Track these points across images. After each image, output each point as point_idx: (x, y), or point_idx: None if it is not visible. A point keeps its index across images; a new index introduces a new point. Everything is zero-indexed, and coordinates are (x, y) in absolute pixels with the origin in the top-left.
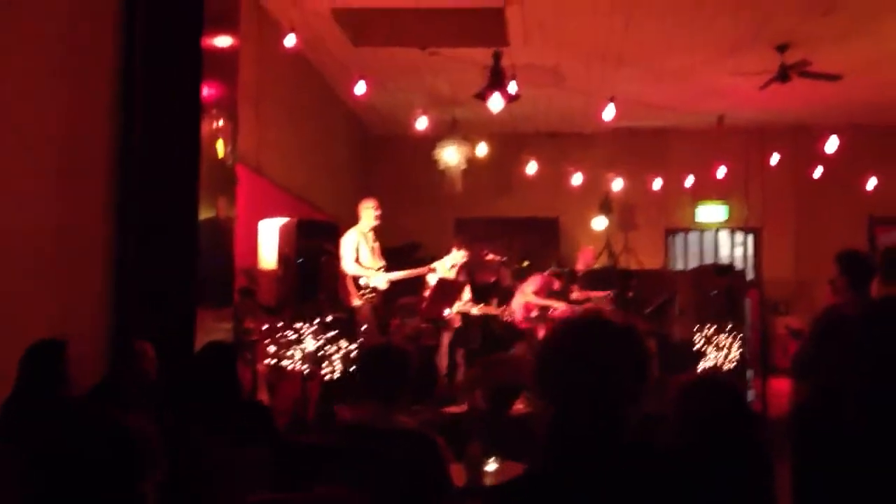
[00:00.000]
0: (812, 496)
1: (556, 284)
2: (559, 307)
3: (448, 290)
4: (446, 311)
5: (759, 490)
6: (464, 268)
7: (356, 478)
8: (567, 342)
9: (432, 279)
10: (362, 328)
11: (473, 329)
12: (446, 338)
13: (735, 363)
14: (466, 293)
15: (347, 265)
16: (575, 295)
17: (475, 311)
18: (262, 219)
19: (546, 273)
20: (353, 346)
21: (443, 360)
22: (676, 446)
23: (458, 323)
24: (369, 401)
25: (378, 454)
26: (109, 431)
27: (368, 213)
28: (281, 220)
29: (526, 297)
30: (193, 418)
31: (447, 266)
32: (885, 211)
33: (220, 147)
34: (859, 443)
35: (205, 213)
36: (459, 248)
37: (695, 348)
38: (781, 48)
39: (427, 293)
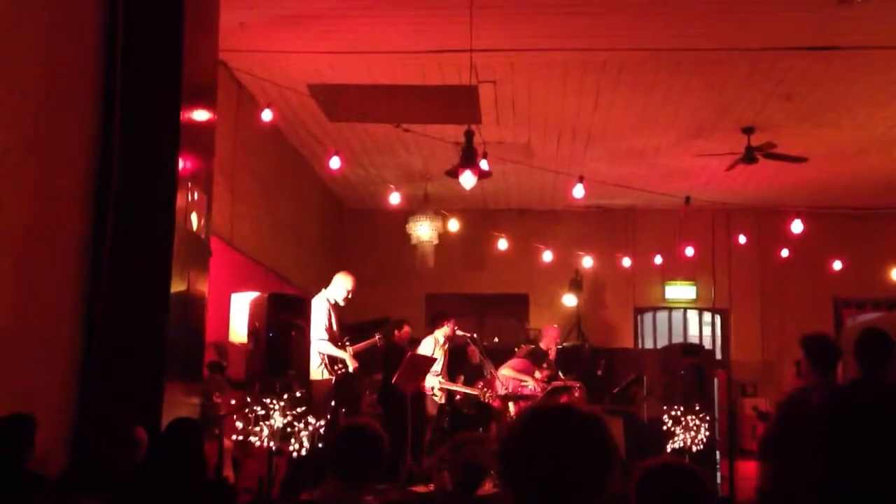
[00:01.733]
0: None
1: (538, 374)
2: (529, 384)
3: (419, 366)
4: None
5: None
6: (449, 341)
7: None
8: (531, 429)
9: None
10: (331, 403)
11: (444, 407)
12: (426, 415)
13: (703, 444)
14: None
15: (321, 344)
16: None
17: (440, 389)
18: (233, 292)
19: (525, 357)
20: (321, 423)
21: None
22: None
23: (439, 401)
24: (336, 479)
25: None
26: None
27: (344, 287)
28: (252, 294)
29: (503, 372)
30: (157, 497)
31: (440, 340)
32: (849, 293)
33: (195, 220)
34: None
35: (177, 287)
36: (443, 321)
37: (663, 428)
38: (748, 130)
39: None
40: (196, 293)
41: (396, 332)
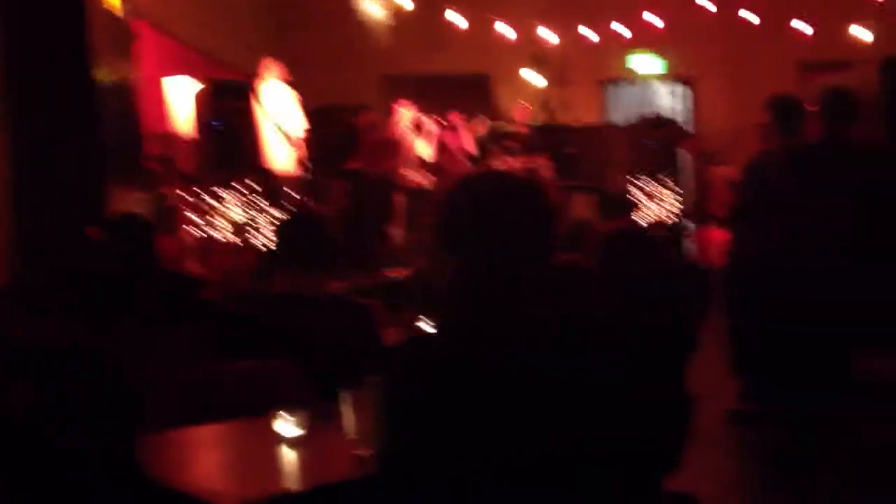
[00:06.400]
0: (746, 333)
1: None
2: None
3: (381, 149)
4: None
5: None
6: (416, 125)
7: (282, 348)
8: (466, 196)
9: None
10: (292, 195)
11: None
12: (399, 201)
13: (673, 215)
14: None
15: (269, 117)
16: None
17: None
18: (171, 78)
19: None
20: (283, 215)
21: (393, 224)
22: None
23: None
24: (290, 270)
25: (301, 321)
26: None
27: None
28: (192, 81)
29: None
30: (111, 297)
31: (405, 125)
32: (815, 55)
33: (115, 1)
34: (788, 284)
35: (102, 77)
36: (402, 104)
37: (633, 201)
38: None
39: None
40: (126, 81)
41: (358, 117)
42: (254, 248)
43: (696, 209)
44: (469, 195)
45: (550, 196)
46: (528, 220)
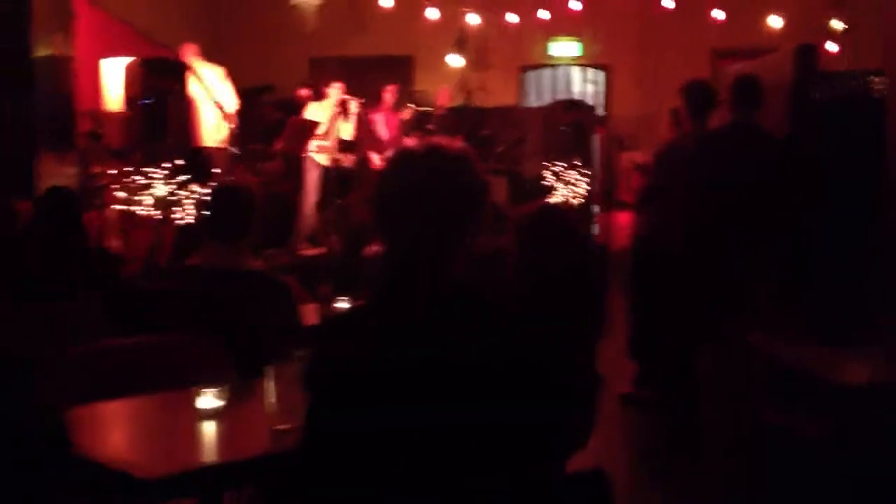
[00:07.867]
0: (644, 311)
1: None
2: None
3: (302, 130)
4: (311, 149)
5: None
6: (343, 106)
7: (202, 321)
8: (396, 171)
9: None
10: (218, 171)
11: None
12: (312, 179)
13: (582, 198)
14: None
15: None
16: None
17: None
18: (104, 57)
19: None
20: (206, 190)
21: (309, 203)
22: (514, 279)
23: (324, 163)
24: (214, 243)
25: (222, 296)
26: None
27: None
28: (125, 59)
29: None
30: (31, 268)
31: (329, 107)
32: (728, 43)
33: None
34: (689, 263)
35: (40, 51)
36: (331, 85)
37: (545, 184)
38: None
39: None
40: (62, 57)
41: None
42: (175, 223)
43: (604, 193)
44: (399, 178)
45: (481, 178)
46: (457, 204)
